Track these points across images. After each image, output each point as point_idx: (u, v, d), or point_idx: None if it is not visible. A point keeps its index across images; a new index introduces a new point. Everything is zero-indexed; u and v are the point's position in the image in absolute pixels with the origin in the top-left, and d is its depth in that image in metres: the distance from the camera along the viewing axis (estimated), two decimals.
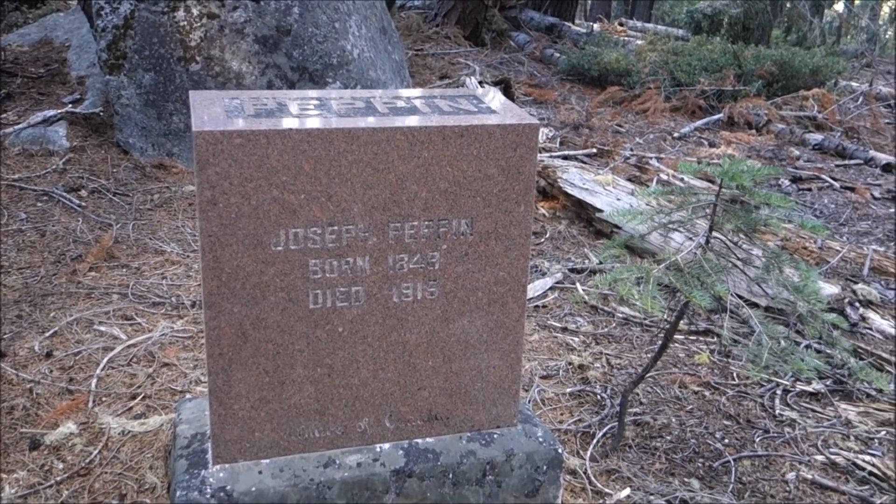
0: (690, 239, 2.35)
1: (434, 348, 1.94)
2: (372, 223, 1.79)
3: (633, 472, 2.33)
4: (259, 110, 1.78)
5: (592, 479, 2.27)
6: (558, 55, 8.95)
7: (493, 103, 1.97)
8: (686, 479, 2.33)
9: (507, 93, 6.19)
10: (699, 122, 6.90)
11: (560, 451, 2.03)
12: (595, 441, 2.47)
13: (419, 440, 2.00)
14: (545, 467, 2.02)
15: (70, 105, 5.16)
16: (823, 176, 5.67)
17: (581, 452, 2.41)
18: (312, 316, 1.82)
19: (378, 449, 1.96)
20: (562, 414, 2.65)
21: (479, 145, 1.81)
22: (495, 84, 6.00)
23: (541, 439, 2.05)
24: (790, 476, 2.41)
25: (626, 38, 10.71)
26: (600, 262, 3.87)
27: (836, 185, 5.51)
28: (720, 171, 2.14)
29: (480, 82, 5.81)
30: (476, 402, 2.02)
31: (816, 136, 6.60)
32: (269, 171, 1.68)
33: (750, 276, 2.23)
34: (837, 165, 6.08)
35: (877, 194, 5.35)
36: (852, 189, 5.43)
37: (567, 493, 2.21)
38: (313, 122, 1.72)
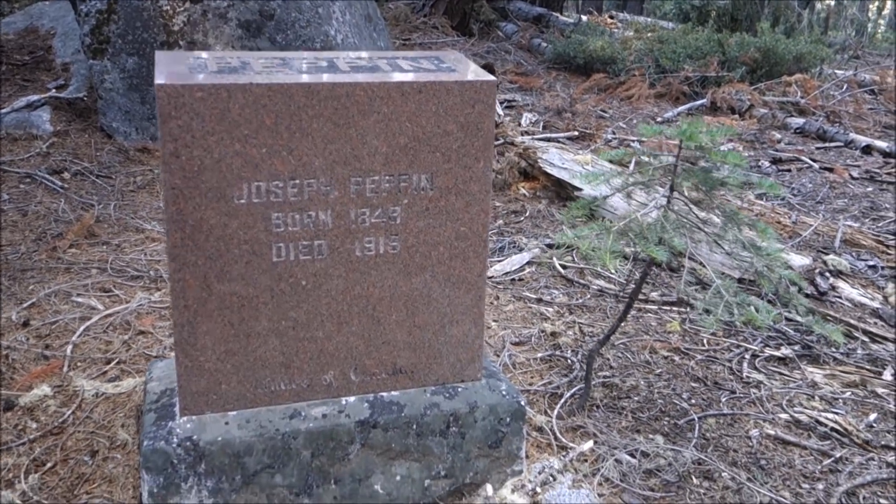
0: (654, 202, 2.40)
1: (397, 302, 1.98)
2: (333, 177, 1.83)
3: (599, 428, 2.38)
4: (222, 67, 1.82)
5: (558, 434, 2.32)
6: (545, 44, 9.00)
7: (453, 63, 2.01)
8: (651, 436, 2.38)
9: None
10: (683, 108, 6.96)
11: (523, 403, 2.08)
12: (563, 401, 2.52)
13: (384, 393, 2.04)
14: (508, 419, 2.07)
15: (54, 90, 5.20)
16: (803, 157, 5.72)
17: (548, 411, 2.46)
18: (276, 269, 1.86)
19: (343, 402, 2.00)
20: (532, 377, 2.69)
21: (438, 101, 1.86)
22: None
23: (504, 393, 2.10)
24: (754, 433, 2.47)
25: (614, 30, 10.77)
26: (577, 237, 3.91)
27: (816, 165, 5.57)
28: (679, 131, 2.18)
29: None
30: (440, 356, 2.06)
31: (798, 121, 6.66)
32: (230, 125, 1.73)
33: (709, 234, 2.28)
34: (818, 148, 6.14)
35: (855, 174, 5.41)
36: (831, 170, 5.49)
37: (533, 447, 2.26)
38: (274, 77, 1.77)
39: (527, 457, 2.18)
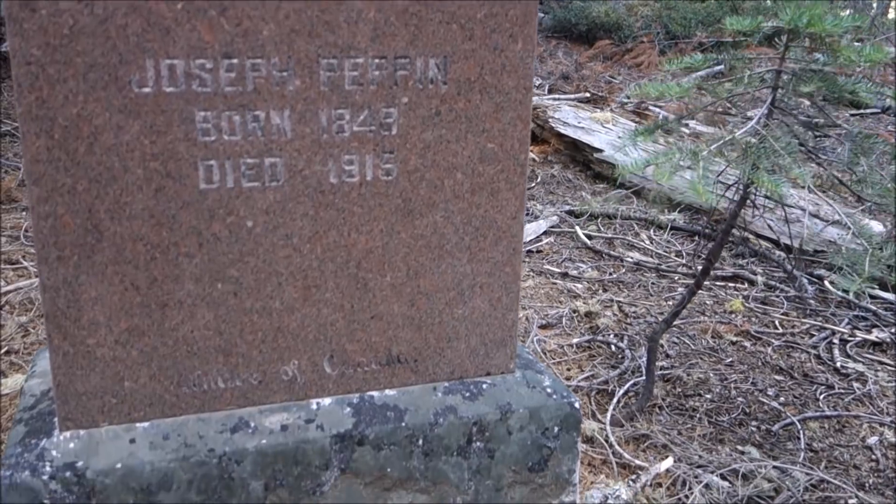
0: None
1: (394, 256, 1.32)
2: (293, 56, 1.17)
3: (671, 438, 1.73)
4: None
5: (616, 447, 1.67)
6: (542, 14, 8.35)
7: None
8: (740, 447, 1.73)
9: None
10: (698, 74, 6.32)
11: (577, 405, 1.43)
12: (615, 401, 1.87)
13: (375, 392, 1.39)
14: (556, 429, 1.42)
15: None
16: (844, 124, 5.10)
17: (598, 415, 1.81)
18: (205, 201, 1.20)
19: (314, 405, 1.34)
20: (568, 369, 2.04)
21: None
22: None
23: (549, 390, 1.45)
24: (872, 440, 1.83)
25: None
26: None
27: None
28: (790, 16, 1.54)
29: None
30: (456, 338, 1.41)
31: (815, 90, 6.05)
32: None
33: (824, 166, 1.64)
34: (852, 115, 5.53)
35: None
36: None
37: (585, 466, 1.61)
38: None
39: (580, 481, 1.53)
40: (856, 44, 1.58)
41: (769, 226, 2.60)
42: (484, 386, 1.43)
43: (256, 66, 1.16)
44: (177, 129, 1.15)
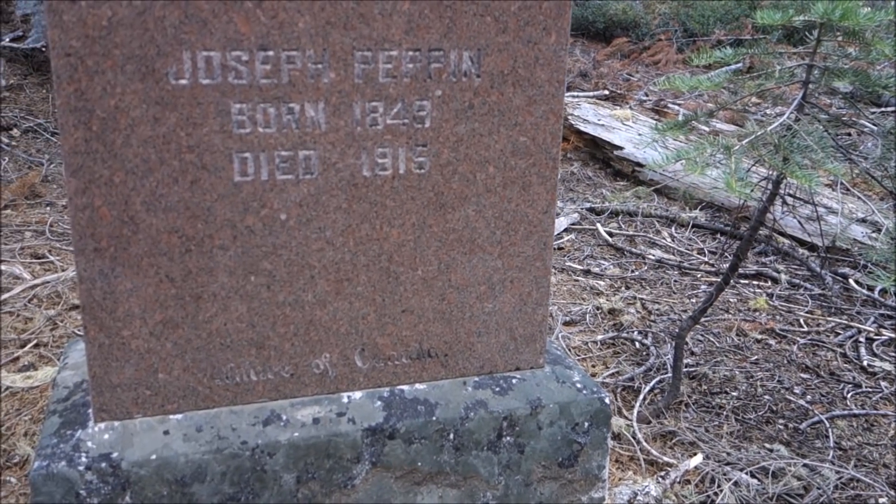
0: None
1: (425, 250, 1.32)
2: (328, 48, 1.17)
3: (698, 435, 1.72)
4: None
5: (644, 444, 1.66)
6: None
7: None
8: (768, 445, 1.72)
9: None
10: (717, 72, 6.28)
11: (607, 400, 1.42)
12: (641, 397, 1.86)
13: (405, 386, 1.39)
14: (586, 425, 1.41)
15: (8, 41, 4.53)
16: (863, 121, 5.06)
17: (625, 411, 1.80)
18: (240, 193, 1.20)
19: (346, 399, 1.34)
20: (593, 365, 2.04)
21: None
22: None
23: (579, 385, 1.44)
24: None
25: None
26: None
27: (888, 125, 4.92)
28: (821, 9, 1.52)
29: None
30: (486, 333, 1.41)
31: (847, 85, 6.00)
32: None
33: (855, 160, 1.63)
34: (872, 112, 5.49)
35: None
36: None
37: (612, 463, 1.60)
38: None
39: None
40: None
41: (799, 223, 2.58)
42: (514, 381, 1.43)
43: (292, 58, 1.17)
44: (212, 121, 1.16)
